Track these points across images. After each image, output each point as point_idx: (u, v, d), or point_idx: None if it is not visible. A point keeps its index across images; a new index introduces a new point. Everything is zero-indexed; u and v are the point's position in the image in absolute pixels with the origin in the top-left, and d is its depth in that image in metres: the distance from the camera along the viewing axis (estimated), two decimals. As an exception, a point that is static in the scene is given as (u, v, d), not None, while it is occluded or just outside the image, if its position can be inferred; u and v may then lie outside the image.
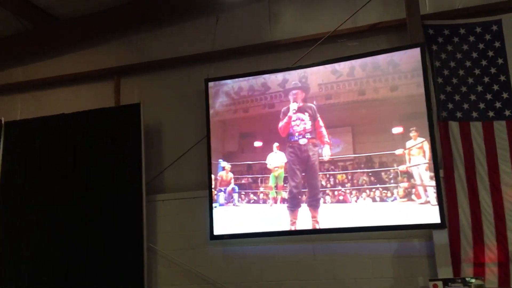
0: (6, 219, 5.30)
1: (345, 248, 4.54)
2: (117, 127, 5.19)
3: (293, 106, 4.75)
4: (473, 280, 3.98)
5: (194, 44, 5.39)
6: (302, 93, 4.75)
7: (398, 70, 4.48)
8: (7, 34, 5.87)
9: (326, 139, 4.59)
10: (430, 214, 4.21)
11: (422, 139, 4.32)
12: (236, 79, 5.03)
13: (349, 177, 4.49)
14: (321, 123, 4.64)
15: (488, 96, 4.39)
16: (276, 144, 4.77)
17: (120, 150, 5.13)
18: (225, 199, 4.89)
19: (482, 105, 4.40)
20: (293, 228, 4.61)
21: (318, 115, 4.66)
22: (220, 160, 4.96)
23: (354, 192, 4.46)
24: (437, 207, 4.19)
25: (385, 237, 4.41)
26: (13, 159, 5.45)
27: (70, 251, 5.04)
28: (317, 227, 4.53)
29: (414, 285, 4.29)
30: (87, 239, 5.02)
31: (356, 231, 4.44)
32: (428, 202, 4.25)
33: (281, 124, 4.78)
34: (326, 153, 4.57)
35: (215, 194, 4.91)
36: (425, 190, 4.26)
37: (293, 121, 4.74)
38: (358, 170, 4.47)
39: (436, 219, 4.19)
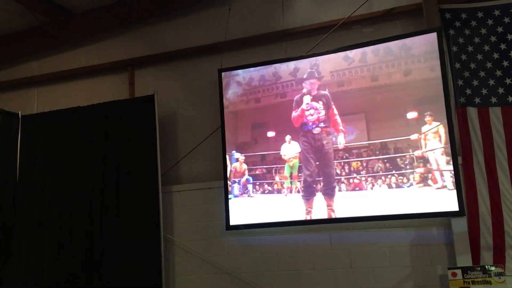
0: (25, 212, 5.37)
1: (362, 237, 4.50)
2: (132, 118, 5.20)
3: (307, 99, 4.71)
4: (493, 268, 3.93)
5: (207, 34, 5.37)
6: (316, 81, 4.70)
7: (411, 54, 4.41)
8: (23, 28, 5.91)
9: (341, 127, 4.55)
10: (447, 199, 4.15)
11: (437, 123, 4.24)
12: (247, 69, 4.99)
13: (364, 164, 4.44)
14: (335, 111, 4.59)
15: (508, 81, 4.29)
16: (288, 137, 4.74)
17: (135, 142, 5.14)
18: (240, 190, 4.88)
19: (501, 90, 4.30)
20: (308, 217, 4.59)
21: (332, 103, 4.62)
22: (233, 151, 4.95)
23: (369, 179, 4.41)
24: (454, 192, 4.13)
25: (402, 226, 4.37)
26: (30, 152, 5.51)
27: (88, 243, 5.09)
28: (333, 215, 4.50)
29: (432, 273, 4.25)
30: (105, 230, 5.06)
31: (372, 220, 4.39)
32: (445, 186, 4.18)
33: (294, 114, 4.75)
34: (341, 141, 4.53)
35: (230, 186, 4.90)
36: (442, 175, 4.19)
37: (307, 110, 4.69)
38: (373, 157, 4.42)
39: (453, 205, 4.12)
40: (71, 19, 5.75)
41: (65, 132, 5.43)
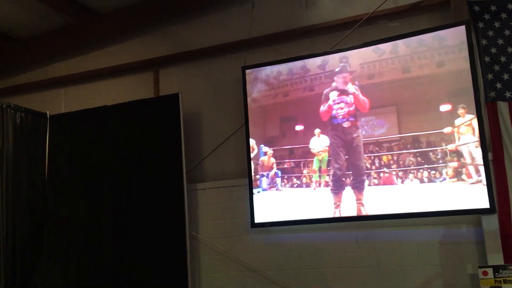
0: (53, 210, 5.45)
1: (389, 235, 4.43)
2: (157, 117, 5.23)
3: (334, 94, 4.67)
4: (525, 267, 3.82)
5: (231, 32, 5.36)
6: (346, 75, 4.64)
7: (445, 45, 4.30)
8: (50, 29, 6.02)
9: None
10: (482, 194, 4.03)
11: (471, 116, 4.14)
12: (274, 65, 4.97)
13: (395, 158, 4.36)
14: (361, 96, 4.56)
15: (540, 74, 4.17)
16: (318, 130, 4.70)
17: (160, 140, 5.17)
18: (268, 184, 4.86)
19: (533, 84, 4.18)
20: (337, 211, 4.53)
21: (361, 95, 4.57)
22: (261, 145, 4.94)
23: (400, 173, 4.34)
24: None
25: (431, 223, 4.28)
26: (58, 151, 5.60)
27: (114, 241, 5.15)
28: (362, 210, 4.43)
29: (462, 272, 4.14)
30: (131, 229, 5.11)
31: (400, 218, 4.31)
32: (479, 181, 4.07)
33: (322, 108, 4.71)
34: (370, 133, 4.47)
35: (258, 179, 4.89)
36: (477, 170, 4.08)
37: (337, 104, 4.65)
38: (404, 151, 4.34)
39: (486, 201, 4.01)
40: (97, 19, 5.83)
41: (92, 131, 5.50)
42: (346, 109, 4.61)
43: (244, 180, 4.98)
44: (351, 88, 4.60)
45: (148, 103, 5.36)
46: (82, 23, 5.88)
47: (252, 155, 4.95)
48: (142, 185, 5.16)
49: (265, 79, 5.01)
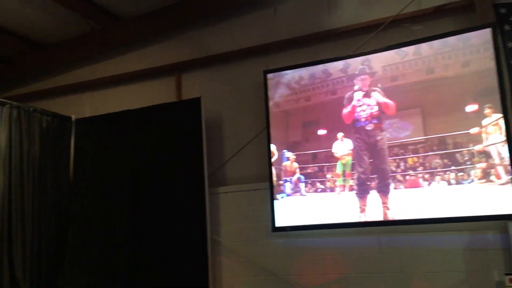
0: (78, 214, 5.53)
1: (414, 240, 4.36)
2: (179, 121, 5.27)
3: (357, 95, 4.64)
4: (554, 275, 3.72)
5: (253, 36, 5.38)
6: (368, 77, 4.61)
7: (469, 45, 4.23)
8: (76, 35, 6.14)
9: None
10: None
11: (499, 115, 4.06)
12: (296, 69, 4.97)
13: (421, 160, 4.30)
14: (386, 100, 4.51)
15: None
16: (341, 134, 4.67)
17: (182, 144, 5.20)
18: (292, 189, 4.84)
19: (560, 87, 4.08)
20: (362, 216, 4.49)
21: (384, 98, 4.53)
22: (284, 150, 4.93)
23: (426, 175, 4.27)
24: (517, 189, 3.92)
25: (456, 229, 4.19)
26: (83, 155, 5.69)
27: (136, 244, 5.18)
28: (388, 213, 4.38)
29: (488, 279, 4.06)
30: (152, 232, 5.14)
31: (426, 223, 4.24)
32: (509, 182, 3.97)
33: (345, 111, 4.68)
34: (394, 135, 4.42)
35: (281, 185, 4.88)
36: (506, 171, 3.98)
37: (359, 106, 4.62)
38: (430, 153, 4.27)
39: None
40: (121, 25, 5.92)
41: (115, 135, 5.57)
42: (369, 111, 4.57)
43: (266, 184, 4.98)
44: (375, 94, 4.56)
45: (171, 107, 5.41)
46: (106, 28, 5.98)
47: (273, 159, 4.95)
48: (164, 189, 5.19)
49: (286, 84, 5.01)
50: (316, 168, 4.78)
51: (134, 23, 5.89)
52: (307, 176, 4.81)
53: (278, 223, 4.82)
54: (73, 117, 5.79)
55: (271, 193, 4.90)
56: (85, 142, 5.71)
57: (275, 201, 4.87)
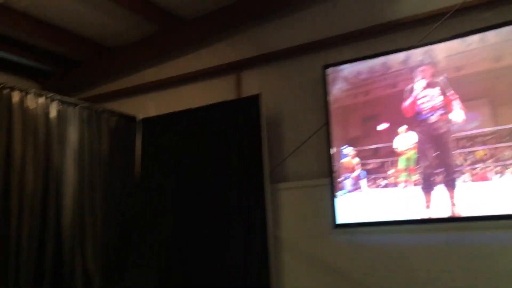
0: (144, 213, 5.70)
1: (483, 238, 4.13)
2: (239, 118, 5.33)
3: (419, 84, 4.47)
4: None
5: (312, 31, 5.34)
6: (430, 68, 4.44)
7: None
8: (141, 38, 6.39)
9: (460, 110, 4.24)
10: None
11: None
12: (354, 63, 4.88)
13: (490, 152, 4.07)
14: (452, 96, 4.29)
15: None
16: (403, 127, 4.52)
17: (242, 141, 5.25)
18: (352, 185, 4.76)
19: None
20: (428, 212, 4.32)
21: (449, 89, 4.32)
22: (344, 146, 4.85)
23: (496, 168, 4.03)
24: None
25: (532, 225, 3.95)
26: (148, 154, 5.88)
27: (198, 243, 5.27)
28: (455, 209, 4.18)
29: None
30: (214, 228, 5.20)
31: (497, 219, 4.00)
32: None
33: (406, 104, 4.52)
34: (461, 127, 4.22)
35: (341, 181, 4.81)
36: None
37: (421, 98, 4.45)
38: (501, 144, 4.04)
39: None
40: (182, 26, 6.08)
41: (178, 134, 5.71)
42: (432, 103, 4.39)
43: (326, 180, 4.91)
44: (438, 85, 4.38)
45: (231, 104, 5.48)
46: (169, 30, 6.17)
47: (333, 155, 4.88)
48: (224, 186, 5.25)
49: (345, 79, 4.92)
50: (377, 164, 4.66)
51: (195, 24, 6.03)
52: (368, 172, 4.70)
53: (339, 220, 4.75)
54: (139, 116, 6.00)
55: (331, 189, 4.83)
56: (150, 141, 5.90)
57: (336, 198, 4.80)
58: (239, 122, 5.32)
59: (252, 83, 5.71)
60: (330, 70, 5.01)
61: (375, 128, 4.69)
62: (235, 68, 5.84)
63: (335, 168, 4.86)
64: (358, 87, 4.85)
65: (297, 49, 5.43)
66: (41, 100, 4.91)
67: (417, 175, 4.43)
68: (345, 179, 4.80)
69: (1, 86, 4.57)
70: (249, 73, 5.79)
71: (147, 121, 5.99)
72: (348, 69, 4.92)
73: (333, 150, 4.88)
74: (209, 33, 6.05)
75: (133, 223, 5.67)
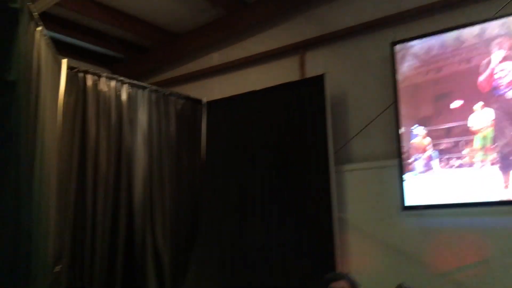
0: (210, 194, 5.79)
1: None
2: (303, 99, 5.26)
3: (496, 58, 4.20)
4: None
5: (378, 8, 5.16)
6: (508, 40, 4.15)
7: None
8: (206, 22, 6.48)
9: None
10: None
11: None
12: (424, 39, 4.66)
13: None
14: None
15: None
16: (479, 104, 4.28)
17: (306, 122, 5.20)
18: (423, 166, 4.57)
19: None
20: (505, 193, 4.07)
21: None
22: (414, 126, 4.67)
23: None
24: None
25: None
26: (214, 136, 5.96)
27: (264, 222, 5.27)
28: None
29: None
30: (278, 211, 5.19)
31: None
32: None
33: (481, 78, 4.27)
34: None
35: (412, 162, 4.63)
36: None
37: (498, 72, 4.18)
38: None
39: None
40: (246, 9, 6.11)
41: (241, 116, 5.74)
42: (510, 77, 4.10)
43: (394, 161, 4.76)
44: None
45: (294, 85, 5.42)
46: (233, 14, 6.21)
47: (402, 136, 4.71)
48: (288, 167, 5.23)
49: (415, 56, 4.72)
50: (450, 143, 4.44)
51: (259, 7, 6.02)
52: (440, 152, 4.49)
53: (408, 202, 4.59)
54: (204, 99, 6.11)
55: (400, 170, 4.67)
56: (215, 123, 5.99)
57: (404, 179, 4.64)
58: (303, 103, 5.26)
59: (316, 64, 5.62)
60: (398, 47, 4.82)
61: (448, 106, 4.47)
62: (299, 49, 5.78)
63: (404, 149, 4.69)
64: (429, 64, 4.64)
65: (363, 27, 5.27)
66: (113, 83, 5.11)
67: (494, 154, 4.17)
68: (416, 160, 4.62)
69: (76, 70, 4.81)
70: (313, 54, 5.71)
71: (212, 103, 6.08)
72: (418, 46, 4.71)
73: (401, 130, 4.72)
74: (273, 15, 6.01)
75: (200, 203, 5.79)
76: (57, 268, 4.27)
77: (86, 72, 4.89)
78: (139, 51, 7.22)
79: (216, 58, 6.58)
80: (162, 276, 5.07)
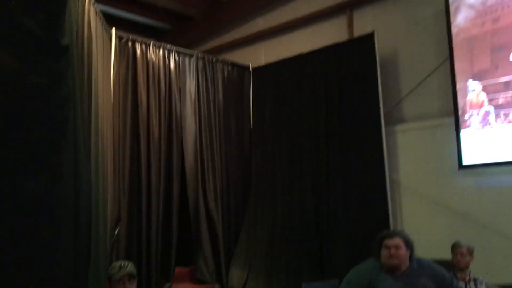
0: (259, 157, 5.83)
1: None
2: (352, 59, 5.14)
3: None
4: None
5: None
6: None
7: None
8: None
9: None
10: None
11: None
12: (483, -14, 4.42)
13: None
14: None
15: None
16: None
17: (356, 82, 5.07)
18: (480, 122, 4.39)
19: None
20: None
21: None
22: (469, 81, 4.47)
23: None
24: None
25: None
26: (260, 101, 5.96)
27: (315, 184, 5.25)
28: None
29: None
30: (330, 172, 5.15)
31: None
32: None
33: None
34: None
35: (467, 119, 4.46)
36: None
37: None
38: None
39: None
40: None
41: (289, 80, 5.69)
42: None
43: (449, 119, 4.59)
44: None
45: (342, 46, 5.30)
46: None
47: (457, 92, 4.52)
48: (339, 129, 5.16)
49: (470, 6, 4.48)
50: (509, 97, 4.22)
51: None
52: (498, 107, 4.28)
53: (465, 161, 4.43)
54: (251, 65, 6.09)
55: (456, 127, 4.51)
56: (262, 89, 5.97)
57: (460, 137, 4.47)
58: (353, 64, 5.14)
59: (364, 22, 5.44)
60: (452, -1, 4.59)
61: (507, 58, 4.24)
62: (345, 7, 5.61)
63: (460, 105, 4.51)
64: (485, 15, 4.40)
65: (415, -20, 5.05)
66: (161, 52, 5.18)
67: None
68: (471, 116, 4.43)
69: (125, 39, 4.90)
70: (361, 12, 5.53)
71: (258, 69, 6.06)
72: (474, -4, 4.47)
73: (457, 86, 4.52)
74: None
75: (250, 167, 5.84)
76: (117, 230, 4.47)
77: (135, 41, 4.97)
78: (185, 21, 7.25)
79: (261, 23, 6.52)
80: (216, 237, 5.19)
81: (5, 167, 2.48)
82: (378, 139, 4.84)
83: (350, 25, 5.57)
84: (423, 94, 4.91)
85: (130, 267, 2.75)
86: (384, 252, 3.01)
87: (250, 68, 6.09)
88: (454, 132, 4.51)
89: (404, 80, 5.08)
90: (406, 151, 4.97)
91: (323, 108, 5.32)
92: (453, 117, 4.54)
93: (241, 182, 5.78)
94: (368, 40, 5.00)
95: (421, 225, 4.73)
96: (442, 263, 3.22)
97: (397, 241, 2.99)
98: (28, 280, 2.43)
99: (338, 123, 5.17)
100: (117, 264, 2.79)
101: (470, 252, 3.44)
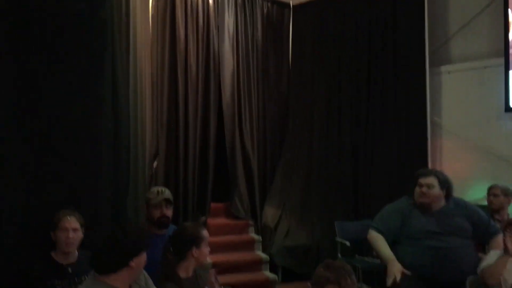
0: (297, 99, 5.76)
1: None
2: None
3: None
4: None
5: None
6: None
7: None
8: None
9: None
10: None
11: None
12: None
13: None
14: None
15: None
16: None
17: (401, 20, 4.86)
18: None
19: None
20: None
21: None
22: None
23: None
24: None
25: None
26: (301, 41, 5.79)
27: (354, 127, 5.20)
28: None
29: None
30: (370, 116, 5.08)
31: None
32: None
33: None
34: None
35: (515, 61, 4.23)
36: None
37: None
38: None
39: None
40: None
41: (331, 19, 5.50)
42: None
43: (499, 60, 4.37)
44: None
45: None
46: None
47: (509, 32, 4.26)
48: (381, 70, 5.01)
49: None
50: None
51: None
52: (553, 46, 4.02)
53: (513, 103, 4.24)
54: (291, 2, 5.89)
55: (506, 69, 4.29)
56: (303, 28, 5.78)
57: (510, 78, 4.25)
58: (396, 2, 4.89)
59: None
60: None
61: None
62: None
63: (511, 45, 4.25)
64: None
65: None
66: (199, -13, 5.06)
67: None
68: (524, 56, 4.18)
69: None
70: None
71: (299, 7, 5.84)
72: None
73: (510, 25, 4.25)
74: None
75: (287, 108, 5.79)
76: (155, 164, 4.58)
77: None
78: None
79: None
80: (251, 176, 5.26)
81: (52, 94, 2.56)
82: (422, 80, 4.69)
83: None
84: (472, 33, 4.67)
85: (167, 193, 2.84)
86: (417, 190, 3.00)
87: (291, 5, 5.88)
88: (503, 73, 4.31)
89: (453, 17, 4.83)
90: (451, 93, 4.80)
91: (365, 47, 5.14)
92: (503, 57, 4.31)
93: (278, 123, 5.75)
94: (415, -27, 4.73)
95: (463, 170, 4.61)
96: (481, 207, 3.19)
97: (431, 180, 2.97)
98: (71, 200, 2.56)
99: (381, 62, 5.02)
100: (154, 189, 2.88)
101: (504, 193, 3.39)
